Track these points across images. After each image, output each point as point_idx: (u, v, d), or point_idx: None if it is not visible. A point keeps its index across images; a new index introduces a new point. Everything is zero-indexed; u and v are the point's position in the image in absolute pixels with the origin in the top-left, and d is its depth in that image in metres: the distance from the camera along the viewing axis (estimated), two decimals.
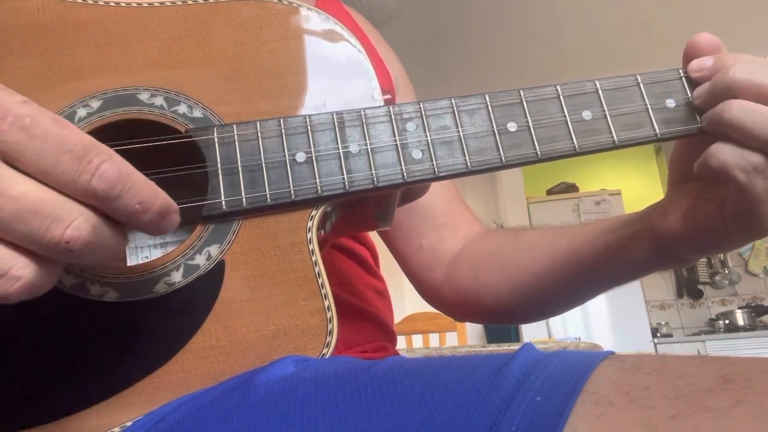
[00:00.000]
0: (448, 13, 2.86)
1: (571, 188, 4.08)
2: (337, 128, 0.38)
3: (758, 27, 3.03)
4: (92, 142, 0.25)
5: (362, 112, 0.39)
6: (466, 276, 0.59)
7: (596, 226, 0.51)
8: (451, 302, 0.62)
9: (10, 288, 0.23)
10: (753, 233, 0.38)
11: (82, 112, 0.36)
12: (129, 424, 0.31)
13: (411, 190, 0.43)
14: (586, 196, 3.95)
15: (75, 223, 0.24)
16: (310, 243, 0.37)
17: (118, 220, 0.26)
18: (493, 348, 1.21)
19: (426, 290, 0.64)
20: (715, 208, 0.39)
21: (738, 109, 0.36)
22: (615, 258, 0.48)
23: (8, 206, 0.23)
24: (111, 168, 0.25)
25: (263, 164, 0.37)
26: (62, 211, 0.24)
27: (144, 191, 0.26)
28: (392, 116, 0.39)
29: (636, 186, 4.29)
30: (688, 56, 0.41)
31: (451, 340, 2.06)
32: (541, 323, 3.44)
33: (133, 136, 0.36)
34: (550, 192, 4.14)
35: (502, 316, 0.59)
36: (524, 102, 0.40)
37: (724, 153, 0.36)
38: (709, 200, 0.40)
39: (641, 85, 0.41)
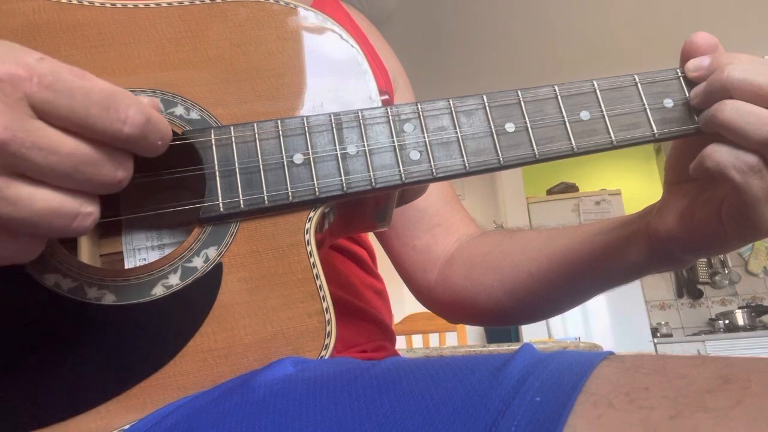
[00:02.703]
0: (447, 13, 2.86)
1: (571, 188, 4.08)
2: (334, 129, 0.38)
3: (757, 26, 3.03)
4: (113, 90, 0.27)
5: (360, 113, 0.39)
6: (460, 277, 0.59)
7: (592, 227, 0.51)
8: (445, 303, 0.62)
9: (85, 222, 0.28)
10: (751, 235, 0.38)
11: None
12: (127, 427, 0.31)
13: (409, 191, 0.43)
14: (585, 196, 3.95)
15: (122, 165, 0.29)
16: (308, 244, 0.36)
17: (141, 154, 0.30)
18: (493, 348, 1.21)
19: (420, 291, 0.64)
20: (712, 210, 0.39)
21: (731, 110, 0.36)
22: (611, 258, 0.48)
23: (66, 162, 0.26)
24: (137, 114, 0.28)
25: (261, 166, 0.37)
26: (107, 158, 0.28)
27: (162, 128, 0.30)
28: (390, 117, 0.39)
29: (636, 186, 4.30)
30: (685, 56, 0.41)
31: (451, 340, 2.06)
32: (541, 323, 3.44)
33: None
34: (550, 192, 4.14)
35: (496, 317, 0.59)
36: (522, 102, 0.40)
37: (719, 154, 0.36)
38: (707, 202, 0.40)
39: (639, 85, 0.41)
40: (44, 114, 0.26)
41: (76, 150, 0.27)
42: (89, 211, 0.28)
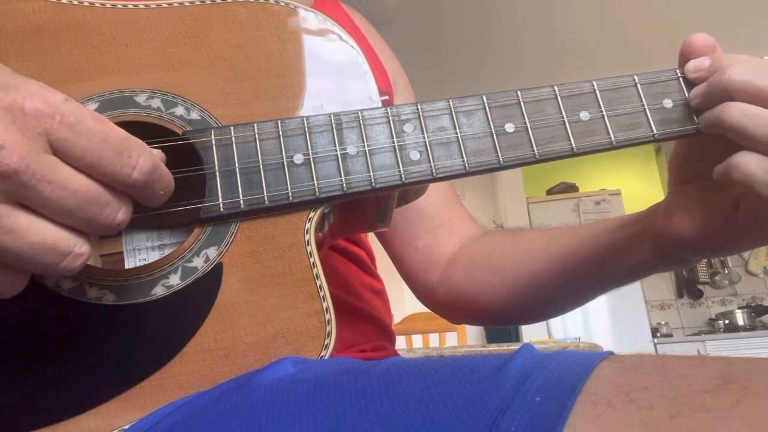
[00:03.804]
0: (447, 13, 2.86)
1: (571, 188, 4.08)
2: (334, 130, 0.38)
3: (757, 26, 3.03)
4: (128, 137, 0.29)
5: (360, 114, 0.39)
6: (463, 277, 0.59)
7: (596, 226, 0.51)
8: (448, 303, 0.62)
9: (76, 263, 0.28)
10: (763, 241, 0.38)
11: None
12: (127, 426, 0.31)
13: (409, 191, 0.43)
14: (586, 196, 3.95)
15: (123, 208, 0.29)
16: (308, 245, 0.36)
17: (142, 202, 0.31)
18: (493, 348, 1.21)
19: (422, 291, 0.64)
20: (722, 213, 0.39)
21: (738, 113, 0.36)
22: (615, 258, 0.48)
23: (71, 199, 0.27)
24: (147, 162, 0.29)
25: (261, 166, 0.37)
26: (112, 200, 0.29)
27: (166, 179, 0.31)
28: (390, 117, 0.39)
29: (636, 186, 4.30)
30: (684, 56, 0.41)
31: (451, 340, 2.06)
32: (541, 323, 3.44)
33: None
34: (550, 192, 4.14)
35: (499, 317, 0.59)
36: (522, 103, 0.40)
37: (749, 167, 0.35)
38: (716, 205, 0.40)
39: (638, 85, 0.41)
40: (59, 151, 0.27)
41: (84, 188, 0.27)
42: (81, 251, 0.28)
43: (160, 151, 0.31)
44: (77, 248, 0.28)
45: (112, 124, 0.28)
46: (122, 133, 0.29)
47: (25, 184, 0.25)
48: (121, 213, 0.29)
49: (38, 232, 0.26)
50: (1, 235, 0.25)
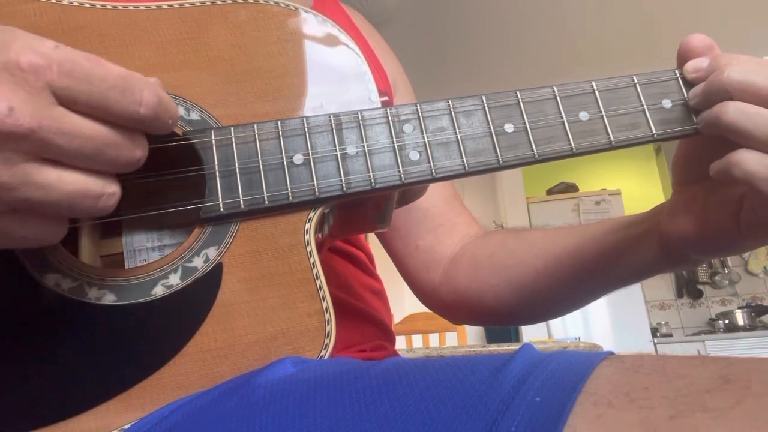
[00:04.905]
0: (448, 13, 2.86)
1: (571, 188, 4.08)
2: (334, 130, 0.38)
3: (757, 26, 3.03)
4: (127, 73, 0.29)
5: (359, 114, 0.39)
6: (465, 276, 0.59)
7: (600, 226, 0.51)
8: (450, 303, 0.61)
9: (110, 201, 0.29)
10: (767, 239, 0.38)
11: None
12: (127, 426, 0.31)
13: (409, 191, 0.43)
14: (586, 196, 3.95)
15: (138, 145, 0.30)
16: (308, 245, 0.36)
17: (153, 133, 0.31)
18: (493, 348, 1.21)
19: (423, 291, 0.64)
20: (727, 213, 0.39)
21: (735, 112, 0.36)
22: (620, 258, 0.48)
23: (88, 145, 0.27)
24: (151, 96, 0.29)
25: (261, 166, 0.37)
26: (126, 139, 0.29)
27: (172, 107, 0.31)
28: (389, 118, 0.39)
29: (636, 186, 4.30)
30: (682, 57, 0.41)
31: (451, 340, 2.06)
32: (541, 323, 3.44)
33: None
34: (550, 192, 4.14)
35: (502, 317, 0.59)
36: (521, 103, 0.40)
37: (748, 163, 0.35)
38: (721, 205, 0.40)
39: (637, 85, 0.41)
40: (65, 100, 0.27)
41: (98, 133, 0.28)
42: (113, 190, 0.29)
43: (155, 78, 0.31)
44: (108, 188, 0.29)
45: (107, 62, 0.28)
46: (120, 70, 0.28)
47: (43, 140, 0.26)
48: (137, 150, 0.30)
49: (68, 182, 0.27)
50: (36, 191, 0.26)
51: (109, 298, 0.34)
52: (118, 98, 0.28)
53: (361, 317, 0.57)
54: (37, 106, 0.26)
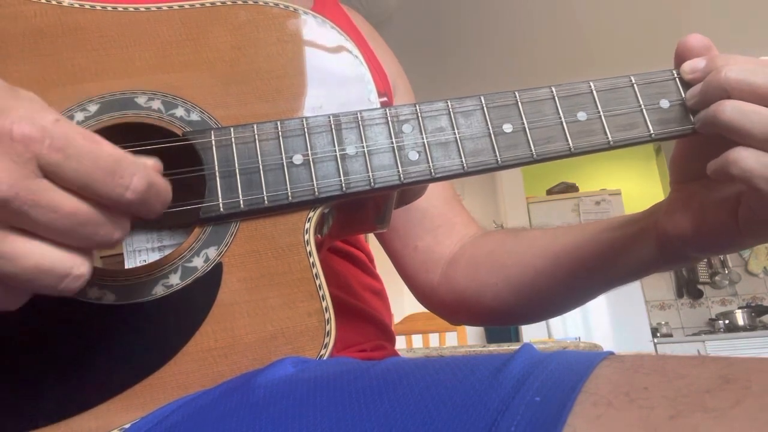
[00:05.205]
0: (448, 13, 2.86)
1: (570, 188, 4.08)
2: (333, 130, 0.38)
3: (757, 26, 3.03)
4: (120, 156, 0.28)
5: (359, 115, 0.39)
6: (464, 276, 0.59)
7: (598, 225, 0.51)
8: (449, 304, 0.62)
9: (74, 284, 0.28)
10: (765, 237, 0.38)
11: (79, 116, 0.36)
12: (127, 426, 0.31)
13: (408, 191, 0.43)
14: (585, 196, 3.95)
15: (119, 226, 0.29)
16: (307, 245, 0.37)
17: (137, 216, 0.30)
18: (493, 348, 1.21)
19: (422, 292, 0.64)
20: (725, 211, 0.39)
21: (732, 110, 0.36)
22: (618, 256, 0.48)
23: (64, 221, 0.27)
24: (140, 181, 0.28)
25: (260, 166, 0.37)
26: (106, 219, 0.28)
27: (163, 193, 0.30)
28: (389, 118, 0.39)
29: (636, 186, 4.30)
30: (679, 57, 0.41)
31: (451, 340, 2.06)
32: (541, 323, 3.44)
33: (130, 139, 0.36)
34: (549, 192, 4.14)
35: (501, 317, 0.59)
36: (519, 103, 0.40)
37: (746, 161, 0.35)
38: (719, 203, 0.40)
39: (635, 86, 0.41)
40: (50, 174, 0.26)
41: (77, 210, 0.27)
42: (80, 272, 0.28)
43: (155, 160, 0.30)
44: (75, 270, 0.27)
45: (104, 142, 0.28)
46: (115, 151, 0.28)
47: (17, 211, 0.25)
48: (117, 232, 0.29)
49: (33, 256, 0.26)
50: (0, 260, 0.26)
51: (109, 298, 0.34)
52: (105, 180, 0.27)
53: (361, 317, 0.57)
54: (18, 176, 0.25)
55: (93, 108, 0.37)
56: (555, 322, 3.51)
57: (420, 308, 0.67)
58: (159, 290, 0.34)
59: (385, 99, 0.41)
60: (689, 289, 4.05)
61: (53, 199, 0.26)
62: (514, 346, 0.95)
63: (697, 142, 0.42)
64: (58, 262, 0.27)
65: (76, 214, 0.27)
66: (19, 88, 0.28)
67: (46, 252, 0.27)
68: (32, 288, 0.27)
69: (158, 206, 0.30)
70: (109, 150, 0.28)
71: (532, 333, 3.39)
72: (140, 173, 0.28)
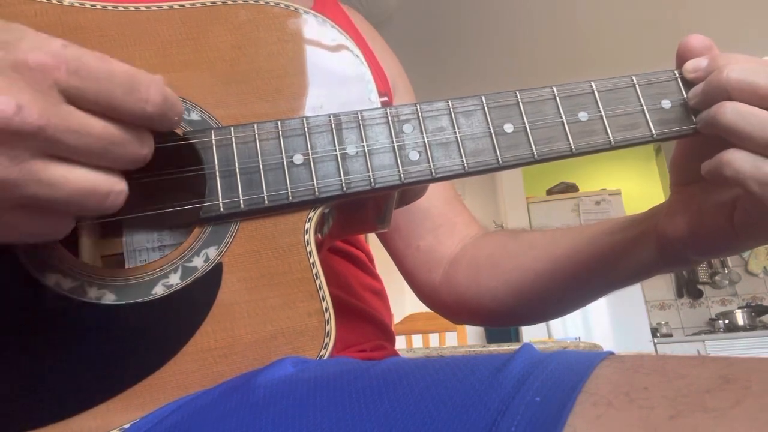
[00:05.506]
0: (448, 13, 2.86)
1: (571, 188, 4.08)
2: (334, 130, 0.38)
3: (758, 26, 3.03)
4: (133, 72, 0.29)
5: (359, 114, 0.39)
6: (465, 277, 0.59)
7: (598, 227, 0.51)
8: (450, 304, 0.62)
9: (117, 200, 0.29)
10: (765, 239, 0.38)
11: None
12: (127, 426, 0.31)
13: (409, 191, 0.43)
14: (586, 196, 3.95)
15: (145, 143, 0.30)
16: (307, 244, 0.37)
17: (157, 129, 0.31)
18: (493, 348, 1.21)
19: (424, 292, 0.64)
20: (722, 214, 0.39)
21: (732, 112, 0.35)
22: (618, 259, 0.48)
23: (96, 143, 0.28)
24: (157, 93, 0.29)
25: (261, 166, 0.37)
26: (132, 137, 0.29)
27: (177, 105, 0.31)
28: (389, 118, 0.39)
29: (636, 186, 4.30)
30: (681, 57, 0.41)
31: (451, 340, 2.06)
32: (541, 323, 3.43)
33: None
34: (549, 192, 4.14)
35: (502, 318, 0.59)
36: (521, 103, 0.40)
37: (739, 163, 0.35)
38: (716, 206, 0.40)
39: (637, 86, 0.41)
40: (73, 99, 0.27)
41: (106, 130, 0.28)
42: (120, 188, 0.29)
43: (160, 76, 0.31)
44: (116, 186, 0.29)
45: (114, 60, 0.28)
46: (126, 68, 0.29)
47: (51, 138, 0.26)
48: (144, 148, 0.30)
49: (75, 180, 0.27)
50: (43, 188, 0.26)
51: (109, 298, 0.34)
52: (125, 96, 0.28)
53: (361, 317, 0.57)
54: (46, 104, 0.26)
55: None
56: (555, 322, 3.51)
57: (420, 308, 0.67)
58: (159, 290, 0.34)
59: (385, 99, 0.41)
60: (689, 289, 4.06)
61: (84, 122, 0.27)
62: (514, 346, 0.95)
63: (696, 144, 0.42)
64: (99, 182, 0.28)
65: (106, 135, 0.28)
66: (9, 21, 0.28)
67: (87, 175, 0.28)
68: (79, 212, 0.29)
69: (175, 118, 0.31)
70: (121, 66, 0.29)
71: (532, 333, 3.39)
72: (155, 86, 0.29)
